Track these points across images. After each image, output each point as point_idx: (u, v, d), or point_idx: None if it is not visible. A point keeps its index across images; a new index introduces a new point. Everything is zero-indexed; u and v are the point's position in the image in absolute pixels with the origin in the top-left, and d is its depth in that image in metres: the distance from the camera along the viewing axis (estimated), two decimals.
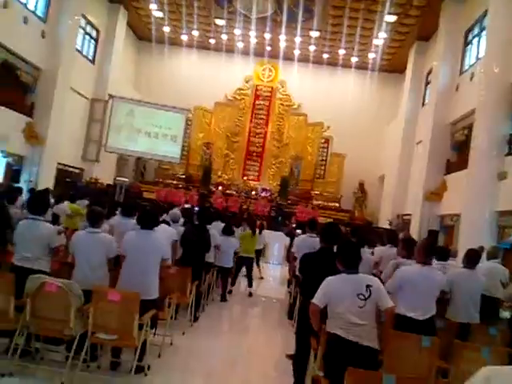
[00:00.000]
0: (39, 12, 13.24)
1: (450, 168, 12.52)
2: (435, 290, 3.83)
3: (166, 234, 5.62)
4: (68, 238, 6.26)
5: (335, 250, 3.56)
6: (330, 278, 3.06)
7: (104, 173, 17.12)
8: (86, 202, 8.80)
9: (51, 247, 4.17)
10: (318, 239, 6.14)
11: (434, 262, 4.52)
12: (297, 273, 6.33)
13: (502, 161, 9.17)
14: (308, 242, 6.24)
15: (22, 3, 12.30)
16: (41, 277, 3.71)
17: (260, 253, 10.70)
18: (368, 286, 2.91)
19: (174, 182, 18.21)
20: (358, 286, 2.93)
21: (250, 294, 8.59)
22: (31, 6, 12.83)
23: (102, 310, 3.72)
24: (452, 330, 4.17)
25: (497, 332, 4.06)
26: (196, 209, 11.25)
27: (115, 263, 4.38)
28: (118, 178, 16.55)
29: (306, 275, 3.91)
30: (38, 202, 4.33)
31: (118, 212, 6.57)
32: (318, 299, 3.02)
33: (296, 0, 14.71)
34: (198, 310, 6.40)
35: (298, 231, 9.10)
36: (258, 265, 10.62)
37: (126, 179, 16.63)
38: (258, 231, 9.77)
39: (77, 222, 8.36)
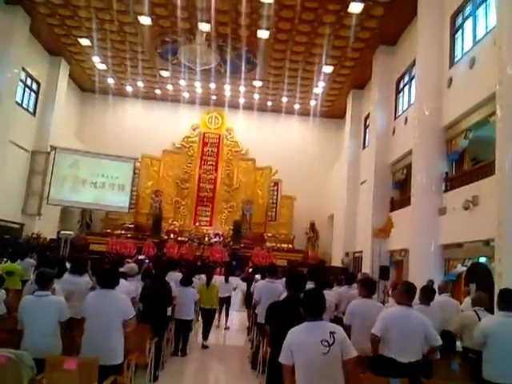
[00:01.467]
0: None
1: (395, 205, 13.17)
2: (420, 332, 3.80)
3: (125, 289, 5.37)
4: (10, 299, 5.82)
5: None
6: (291, 329, 3.00)
7: (46, 227, 16.25)
8: (32, 261, 8.26)
9: None
10: (278, 285, 6.21)
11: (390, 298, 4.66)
12: (259, 320, 6.28)
13: (441, 197, 9.81)
14: (268, 287, 6.24)
15: None
16: None
17: (227, 300, 10.32)
18: (332, 333, 2.88)
19: (123, 232, 17.65)
20: (321, 333, 2.89)
21: (204, 347, 8.25)
22: None
23: (57, 381, 3.44)
24: None
25: (458, 367, 4.18)
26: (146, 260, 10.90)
27: (67, 327, 4.11)
28: (62, 232, 15.73)
29: (274, 325, 3.85)
30: None
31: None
32: (283, 357, 2.93)
33: (238, 53, 15.40)
34: (158, 369, 6.06)
35: (257, 276, 9.02)
36: (226, 314, 10.33)
37: (71, 232, 15.86)
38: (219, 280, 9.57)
39: (17, 282, 7.84)
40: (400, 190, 13.26)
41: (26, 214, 15.93)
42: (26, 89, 15.98)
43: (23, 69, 15.02)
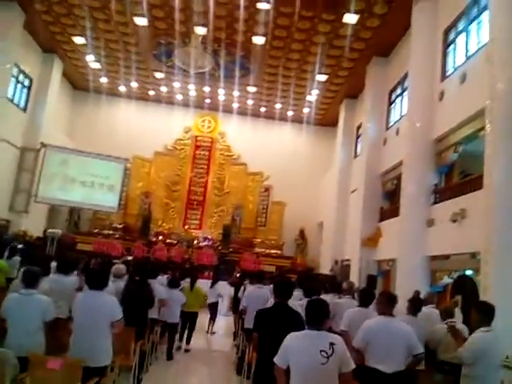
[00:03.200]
0: None
1: (384, 215, 13.27)
2: (402, 342, 3.79)
3: (113, 290, 5.33)
4: None
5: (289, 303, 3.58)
6: (291, 334, 3.01)
7: (33, 225, 16.05)
8: (18, 258, 8.14)
9: None
10: (265, 291, 6.22)
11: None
12: (246, 325, 6.27)
13: (429, 209, 9.91)
14: (257, 293, 6.25)
15: None
16: None
17: (214, 306, 10.27)
18: (332, 344, 2.86)
19: (111, 232, 17.52)
20: (321, 343, 2.87)
21: (186, 351, 8.19)
22: None
23: (40, 380, 3.40)
24: None
25: (441, 378, 4.21)
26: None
27: (52, 326, 4.06)
28: (49, 230, 15.54)
29: (262, 332, 3.82)
30: None
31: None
32: (278, 357, 2.95)
33: (233, 58, 15.46)
34: (142, 372, 6.00)
35: (246, 282, 9.00)
36: (213, 319, 10.27)
37: (59, 231, 15.69)
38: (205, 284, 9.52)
39: (2, 279, 7.72)
40: (389, 201, 13.36)
41: (13, 210, 15.73)
42: (18, 84, 15.85)
43: (16, 64, 14.89)
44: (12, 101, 15.36)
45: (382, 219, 13.31)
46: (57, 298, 5.02)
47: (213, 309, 10.28)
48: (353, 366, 2.95)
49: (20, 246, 10.49)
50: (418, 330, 4.58)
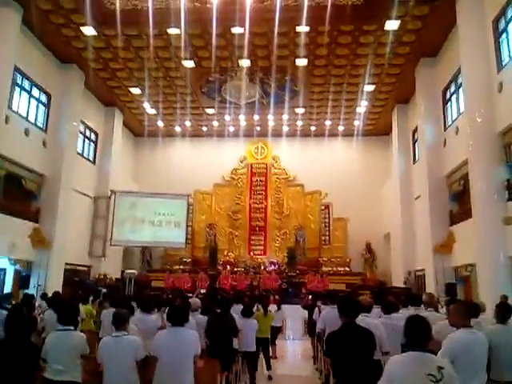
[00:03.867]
0: (39, 123, 14.06)
1: (454, 219, 12.64)
2: (486, 354, 3.63)
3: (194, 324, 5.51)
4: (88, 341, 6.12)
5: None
6: (393, 357, 2.86)
7: (111, 267, 17.09)
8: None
9: (83, 354, 4.08)
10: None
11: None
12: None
13: (505, 206, 9.33)
14: (333, 313, 6.16)
15: (22, 116, 13.08)
16: None
17: (278, 330, 10.23)
18: (440, 368, 2.66)
19: (181, 267, 18.10)
20: (427, 366, 2.67)
21: (270, 378, 8.15)
22: (31, 118, 13.65)
23: None
24: None
25: None
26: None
27: (144, 365, 4.27)
28: (126, 271, 16.43)
29: (336, 356, 3.69)
30: (68, 312, 4.29)
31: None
32: (383, 381, 2.76)
33: (280, 83, 15.78)
34: None
35: (319, 303, 8.89)
36: (273, 343, 10.20)
37: (134, 271, 16.53)
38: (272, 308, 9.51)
39: (92, 324, 8.21)
40: (459, 203, 12.74)
41: (92, 256, 16.87)
42: (86, 139, 17.26)
43: (82, 121, 16.24)
44: (82, 154, 16.71)
45: (452, 223, 12.68)
46: (143, 336, 5.30)
47: (276, 333, 10.15)
48: None
49: (104, 290, 11.14)
50: (511, 338, 4.30)
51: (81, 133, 16.51)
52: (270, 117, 18.76)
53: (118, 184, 18.11)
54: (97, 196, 17.53)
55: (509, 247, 9.10)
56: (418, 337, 2.81)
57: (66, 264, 14.57)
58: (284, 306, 10.88)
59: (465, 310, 3.80)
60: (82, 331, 7.36)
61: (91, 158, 17.65)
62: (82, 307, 8.37)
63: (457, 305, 3.87)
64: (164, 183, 19.20)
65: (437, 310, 6.03)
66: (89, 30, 12.66)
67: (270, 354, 10.02)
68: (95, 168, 17.75)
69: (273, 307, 10.38)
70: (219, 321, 5.90)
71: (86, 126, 17.15)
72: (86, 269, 16.42)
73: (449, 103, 13.47)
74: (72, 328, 4.18)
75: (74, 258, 15.35)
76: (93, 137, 17.85)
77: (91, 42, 13.34)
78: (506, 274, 9.09)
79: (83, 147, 16.96)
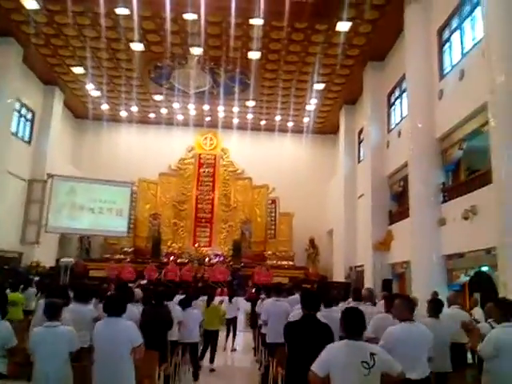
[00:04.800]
0: None
1: (393, 218, 13.22)
2: (426, 346, 3.79)
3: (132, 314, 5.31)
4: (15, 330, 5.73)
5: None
6: (331, 345, 2.99)
7: (45, 255, 16.15)
8: (34, 290, 8.16)
9: (8, 347, 3.80)
10: (285, 303, 6.19)
11: None
12: (267, 340, 6.22)
13: (440, 208, 9.88)
14: (276, 306, 6.22)
15: None
16: None
17: (232, 322, 10.14)
18: (372, 354, 2.85)
19: (122, 257, 17.54)
20: (362, 354, 2.85)
21: (211, 370, 8.12)
22: None
23: None
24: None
25: (472, 379, 4.15)
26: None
27: (76, 356, 4.06)
28: (62, 259, 15.60)
29: (292, 345, 3.75)
30: None
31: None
32: (318, 367, 2.89)
33: (231, 74, 15.64)
34: None
35: (263, 296, 8.94)
36: (233, 335, 10.16)
37: (71, 259, 15.74)
38: (221, 301, 9.48)
39: (20, 312, 7.75)
40: (398, 203, 13.33)
41: (24, 242, 15.83)
42: (21, 118, 16.09)
43: (18, 99, 15.13)
44: (16, 135, 15.58)
45: (392, 222, 13.26)
46: (78, 327, 5.03)
47: (233, 324, 10.19)
48: (400, 367, 2.93)
49: (36, 278, 10.53)
50: (442, 332, 4.54)
51: (16, 111, 15.38)
52: (221, 108, 18.59)
53: (56, 168, 17.10)
54: (32, 179, 16.44)
55: (442, 247, 9.66)
56: (353, 326, 2.98)
57: None
58: (236, 299, 10.74)
59: (408, 305, 3.98)
60: (10, 321, 6.95)
61: (27, 138, 16.50)
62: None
63: (401, 300, 4.05)
64: (107, 169, 18.43)
65: (374, 304, 6.26)
66: (31, 3, 11.81)
67: (229, 346, 10.02)
68: (31, 149, 16.60)
69: (225, 299, 10.32)
70: (153, 313, 5.74)
71: (23, 105, 16.00)
72: (16, 255, 15.38)
73: (393, 107, 14.03)
74: None
75: (3, 244, 14.32)
76: (29, 116, 16.68)
77: (33, 16, 12.45)
78: (438, 271, 9.64)
79: (18, 126, 15.80)
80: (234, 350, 10.23)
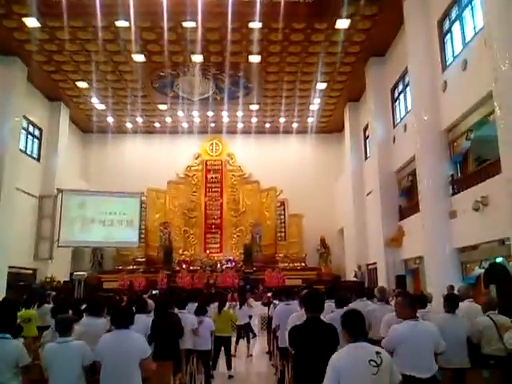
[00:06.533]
0: None
1: (404, 213, 13.07)
2: (431, 344, 3.74)
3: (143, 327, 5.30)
4: (28, 347, 5.75)
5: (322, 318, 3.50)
6: (336, 353, 2.93)
7: (59, 270, 16.30)
8: (48, 306, 8.19)
9: (21, 365, 3.80)
10: (294, 306, 6.13)
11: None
12: (280, 344, 6.16)
13: (450, 201, 9.74)
14: (285, 309, 6.17)
15: None
16: None
17: (245, 328, 10.09)
18: (378, 353, 2.83)
19: (135, 267, 17.63)
20: (368, 353, 2.83)
21: (230, 377, 8.08)
22: None
23: None
24: (447, 377, 4.13)
25: (489, 374, 4.06)
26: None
27: (91, 370, 4.05)
28: (75, 273, 15.72)
29: (297, 349, 3.71)
30: (3, 318, 3.98)
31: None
32: (330, 381, 2.81)
33: (233, 79, 15.66)
34: None
35: (275, 301, 8.89)
36: (247, 341, 10.12)
37: (84, 272, 15.85)
38: (233, 305, 9.43)
39: (33, 328, 7.78)
40: (407, 198, 13.18)
41: (38, 258, 15.99)
42: (29, 136, 16.31)
43: (25, 117, 15.34)
44: (25, 152, 15.77)
45: (402, 217, 13.12)
46: (91, 340, 5.04)
47: (245, 330, 10.14)
48: (400, 377, 2.87)
49: (53, 293, 10.61)
50: (458, 327, 4.44)
51: (24, 129, 15.57)
52: (225, 113, 18.62)
53: (66, 182, 17.27)
54: (42, 195, 16.62)
55: (454, 239, 9.51)
56: (356, 328, 2.96)
57: (10, 267, 13.70)
58: (246, 306, 10.68)
59: (409, 303, 3.90)
60: (24, 337, 6.98)
61: (35, 155, 16.70)
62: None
63: (402, 298, 3.98)
64: (115, 181, 18.54)
65: (387, 303, 6.16)
66: (32, 22, 12.02)
67: (247, 354, 9.97)
68: (40, 166, 16.81)
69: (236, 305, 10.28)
70: (163, 322, 5.70)
71: (30, 122, 16.20)
72: (31, 272, 15.54)
73: (397, 101, 13.90)
74: (8, 335, 3.86)
75: (17, 261, 14.46)
76: (37, 133, 16.89)
77: (35, 34, 12.63)
78: (451, 265, 9.49)
79: (26, 144, 16.01)
80: (250, 355, 10.16)
